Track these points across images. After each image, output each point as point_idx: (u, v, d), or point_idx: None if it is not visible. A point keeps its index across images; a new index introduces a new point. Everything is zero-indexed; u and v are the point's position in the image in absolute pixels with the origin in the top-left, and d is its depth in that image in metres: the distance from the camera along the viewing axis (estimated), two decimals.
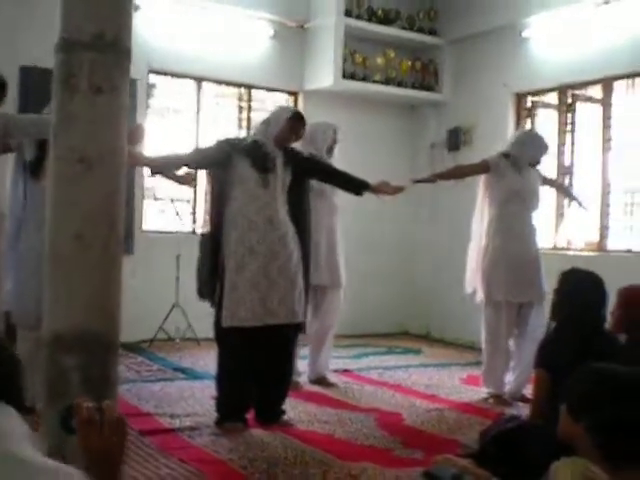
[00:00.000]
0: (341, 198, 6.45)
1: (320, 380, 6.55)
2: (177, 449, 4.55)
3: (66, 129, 3.26)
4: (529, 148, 6.30)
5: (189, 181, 5.70)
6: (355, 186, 5.49)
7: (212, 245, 5.13)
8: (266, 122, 5.29)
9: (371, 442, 4.89)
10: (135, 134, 4.90)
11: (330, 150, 6.39)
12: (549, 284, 6.14)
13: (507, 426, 4.26)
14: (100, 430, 1.78)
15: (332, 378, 6.66)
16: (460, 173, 6.62)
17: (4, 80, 4.74)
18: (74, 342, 3.18)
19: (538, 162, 6.40)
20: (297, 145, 5.58)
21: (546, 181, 6.69)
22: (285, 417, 5.26)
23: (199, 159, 5.31)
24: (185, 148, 6.60)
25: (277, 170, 5.13)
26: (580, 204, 6.96)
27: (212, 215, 5.19)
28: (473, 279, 6.35)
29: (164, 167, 5.34)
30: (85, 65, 3.22)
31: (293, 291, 5.10)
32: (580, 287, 4.25)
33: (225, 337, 5.07)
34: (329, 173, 5.63)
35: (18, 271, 4.84)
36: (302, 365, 6.49)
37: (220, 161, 5.13)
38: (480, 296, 6.29)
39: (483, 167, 6.32)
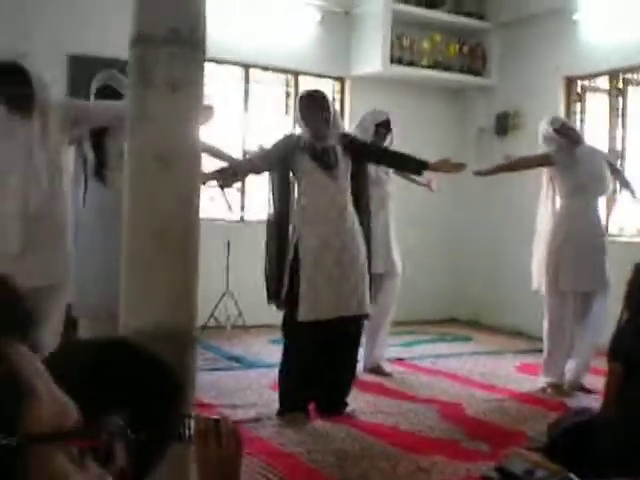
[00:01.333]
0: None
1: (375, 369, 6.53)
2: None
3: (143, 125, 3.23)
4: (550, 140, 6.22)
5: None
6: (414, 165, 5.44)
7: (279, 239, 5.12)
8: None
9: (436, 434, 4.86)
10: (205, 115, 4.88)
11: (381, 138, 6.32)
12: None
13: (578, 419, 4.22)
14: (217, 441, 1.76)
15: (387, 367, 6.63)
16: (524, 165, 6.52)
17: (18, 66, 4.46)
18: (154, 337, 3.16)
19: (577, 136, 6.29)
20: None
21: (612, 169, 6.59)
22: (348, 409, 5.24)
23: (262, 164, 5.29)
24: (237, 149, 6.50)
25: (340, 163, 5.10)
26: (633, 193, 6.84)
27: (277, 207, 5.17)
28: (540, 276, 6.25)
29: (231, 179, 5.34)
30: (162, 60, 3.18)
31: (363, 283, 5.11)
32: None
33: (297, 331, 5.04)
34: (386, 154, 5.60)
35: (78, 265, 4.85)
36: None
37: (284, 161, 5.12)
38: (543, 286, 6.19)
39: (546, 160, 6.22)
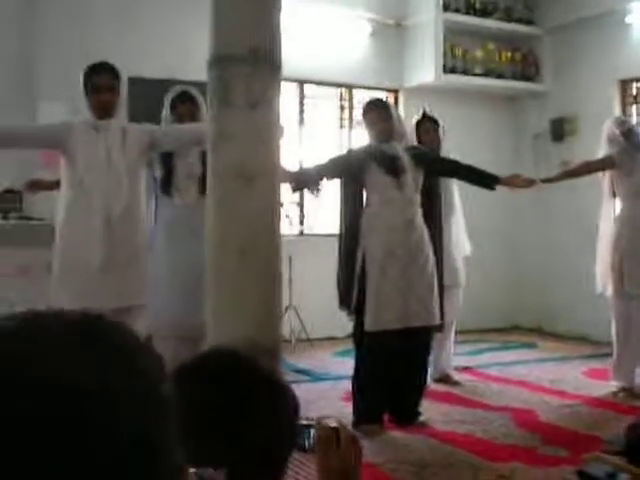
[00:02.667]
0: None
1: (444, 378, 6.54)
2: None
3: (224, 144, 3.30)
4: (615, 140, 6.19)
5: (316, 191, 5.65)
6: (487, 180, 5.45)
7: (348, 250, 5.17)
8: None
9: (512, 441, 4.86)
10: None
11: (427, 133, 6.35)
12: None
13: None
14: (338, 449, 1.79)
15: (455, 376, 6.64)
16: (588, 169, 6.48)
17: (109, 65, 4.64)
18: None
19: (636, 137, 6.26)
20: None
21: None
22: (421, 418, 5.27)
23: (336, 170, 5.35)
24: (294, 165, 6.54)
25: (408, 172, 5.15)
26: None
27: (347, 220, 5.22)
28: (604, 276, 6.24)
29: (306, 182, 5.40)
30: (241, 80, 3.26)
31: (431, 293, 5.13)
32: None
33: (367, 341, 5.09)
34: (459, 168, 5.57)
35: (151, 285, 4.91)
36: None
37: (354, 169, 5.18)
38: (610, 290, 6.18)
39: (610, 163, 6.21)
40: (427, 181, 5.32)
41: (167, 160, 5.01)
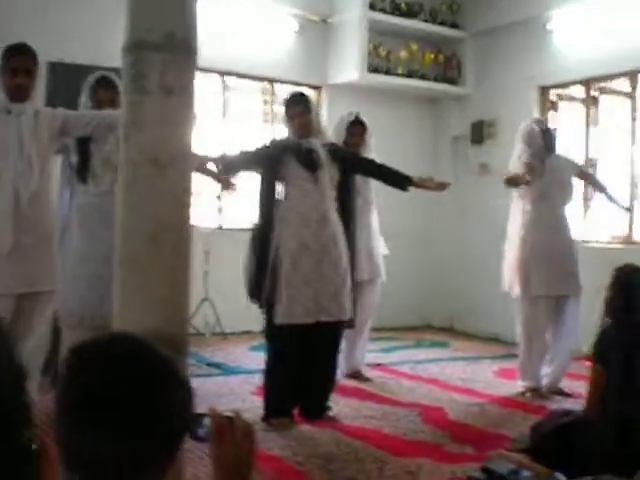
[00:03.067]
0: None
1: (355, 374, 6.57)
2: None
3: (137, 131, 3.25)
4: (532, 134, 6.30)
5: (229, 187, 5.59)
6: (400, 181, 5.49)
7: (262, 242, 5.15)
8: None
9: (420, 437, 4.91)
10: None
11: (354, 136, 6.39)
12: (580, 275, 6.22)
13: (563, 420, 4.29)
14: (232, 438, 1.77)
15: (366, 372, 6.68)
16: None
17: (26, 48, 4.53)
18: None
19: (553, 138, 6.38)
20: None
21: (583, 176, 6.72)
22: (330, 413, 5.28)
23: (255, 159, 5.34)
24: (216, 147, 6.49)
25: (324, 167, 5.16)
26: (610, 197, 6.91)
27: (263, 212, 5.21)
28: (511, 278, 6.34)
29: (237, 165, 5.37)
30: (156, 66, 3.20)
31: (344, 288, 5.15)
32: (634, 282, 4.26)
33: (277, 334, 5.09)
34: (374, 168, 5.62)
35: (63, 273, 4.82)
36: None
37: (272, 160, 5.17)
38: (516, 291, 6.29)
39: (530, 170, 6.27)
40: (343, 177, 5.34)
41: (83, 146, 4.91)
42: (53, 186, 4.63)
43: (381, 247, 6.78)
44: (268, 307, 5.12)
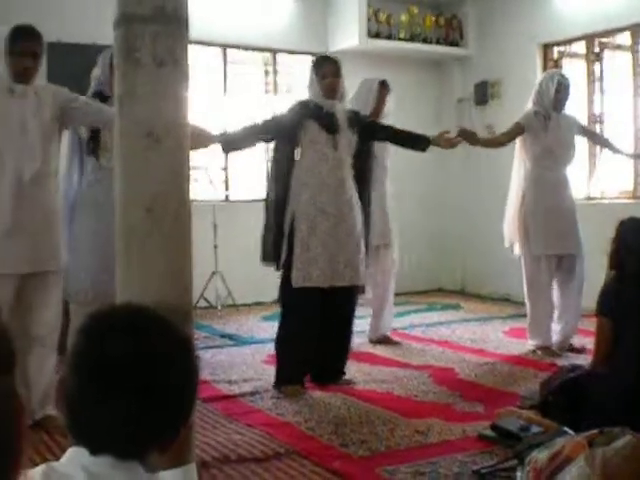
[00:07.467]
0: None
1: (383, 339, 6.64)
2: (242, 414, 4.61)
3: (131, 104, 3.25)
4: (546, 93, 6.25)
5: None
6: (419, 142, 5.56)
7: (278, 207, 5.18)
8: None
9: (431, 398, 4.94)
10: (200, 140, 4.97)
11: (376, 112, 6.39)
12: (585, 234, 6.21)
13: (570, 376, 4.30)
14: None
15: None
16: (498, 143, 6.49)
17: (34, 30, 4.38)
18: None
19: (565, 97, 6.33)
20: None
21: (586, 133, 6.69)
22: (346, 378, 5.32)
23: (276, 128, 5.29)
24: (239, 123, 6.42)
25: (343, 131, 5.18)
26: (615, 150, 6.86)
27: (279, 178, 5.23)
28: (511, 233, 6.37)
29: (239, 143, 5.37)
30: (147, 38, 3.20)
31: (358, 254, 5.18)
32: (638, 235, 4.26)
33: (293, 298, 5.11)
34: (393, 133, 5.64)
35: (72, 249, 4.83)
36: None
37: (290, 126, 5.17)
38: (518, 250, 6.31)
39: (519, 130, 6.29)
40: (361, 143, 5.36)
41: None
42: (56, 165, 4.60)
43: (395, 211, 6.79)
44: (285, 271, 5.13)
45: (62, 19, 7.59)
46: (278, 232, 5.17)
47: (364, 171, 5.44)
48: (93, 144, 4.83)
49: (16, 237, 4.16)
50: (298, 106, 5.31)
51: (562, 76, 6.38)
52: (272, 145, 5.47)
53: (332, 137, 5.16)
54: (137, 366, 1.48)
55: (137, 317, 1.58)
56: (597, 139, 7.10)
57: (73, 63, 7.11)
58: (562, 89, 6.24)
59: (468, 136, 6.06)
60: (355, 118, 5.36)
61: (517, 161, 6.44)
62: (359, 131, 5.32)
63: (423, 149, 5.57)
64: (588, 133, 6.81)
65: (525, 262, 6.29)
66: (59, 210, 4.56)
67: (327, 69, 5.24)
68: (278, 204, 5.20)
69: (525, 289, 6.32)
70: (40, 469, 1.42)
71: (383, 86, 6.45)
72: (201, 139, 5.00)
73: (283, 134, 5.23)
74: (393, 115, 7.05)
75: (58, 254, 4.44)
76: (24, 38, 4.31)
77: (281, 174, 5.23)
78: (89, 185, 4.86)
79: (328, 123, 5.17)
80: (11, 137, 4.25)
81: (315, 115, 5.18)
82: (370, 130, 5.51)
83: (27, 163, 4.26)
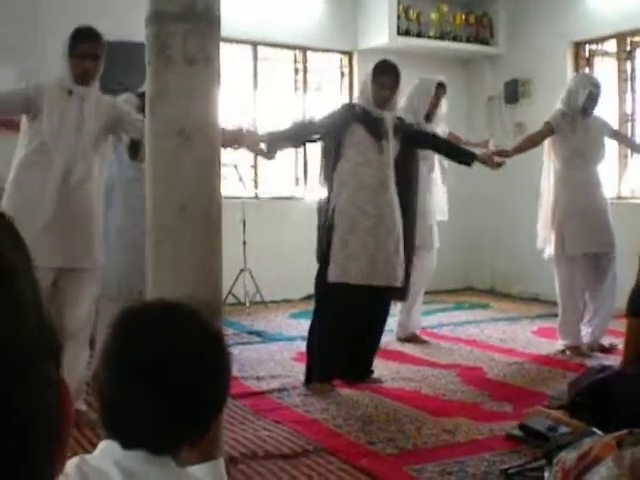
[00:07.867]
0: None
1: (412, 338, 6.64)
2: (270, 411, 4.63)
3: (163, 102, 3.28)
4: (574, 98, 6.20)
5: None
6: (464, 157, 5.61)
7: (321, 206, 5.24)
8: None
9: (459, 397, 4.94)
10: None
11: (430, 114, 6.41)
12: (616, 233, 6.18)
13: (600, 376, 4.28)
14: None
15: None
16: (532, 144, 6.46)
17: (94, 32, 4.41)
18: None
19: (593, 105, 6.26)
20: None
21: (617, 136, 6.66)
22: (374, 376, 5.33)
23: (325, 129, 5.29)
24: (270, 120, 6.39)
25: (389, 138, 5.19)
26: None
27: (327, 179, 5.26)
28: (545, 235, 6.34)
29: (286, 142, 5.39)
30: (178, 36, 3.23)
31: (397, 255, 5.19)
32: None
33: (329, 294, 5.10)
34: (438, 144, 5.71)
35: (105, 247, 4.87)
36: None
37: (341, 126, 5.18)
38: (551, 251, 6.28)
39: (549, 130, 6.26)
40: (407, 150, 5.43)
41: None
42: (99, 168, 4.63)
43: (438, 213, 6.78)
44: (321, 266, 5.15)
45: (91, 18, 7.57)
46: (327, 231, 5.18)
47: (407, 174, 5.46)
48: (134, 144, 4.82)
49: (54, 232, 4.21)
50: (344, 108, 5.35)
51: (595, 85, 6.24)
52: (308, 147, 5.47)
53: (378, 142, 5.16)
54: (172, 365, 1.48)
55: (171, 314, 1.59)
56: (628, 142, 7.07)
57: (114, 61, 7.18)
58: (592, 98, 6.17)
59: (503, 155, 6.06)
60: (400, 125, 5.37)
61: (546, 162, 6.41)
62: (402, 138, 5.33)
63: (468, 164, 5.64)
64: (619, 137, 6.79)
65: (559, 263, 6.25)
66: (99, 211, 4.60)
67: (386, 80, 5.17)
68: (322, 201, 5.25)
69: (557, 289, 6.28)
70: (74, 461, 1.44)
71: (441, 87, 6.43)
72: (246, 139, 5.05)
73: (331, 135, 5.24)
74: None
75: (93, 253, 4.47)
76: (84, 40, 4.34)
77: (327, 176, 5.25)
78: (125, 184, 4.93)
79: (375, 129, 5.17)
80: (65, 136, 4.30)
81: (362, 119, 5.17)
82: (414, 139, 5.55)
83: (76, 163, 4.31)
